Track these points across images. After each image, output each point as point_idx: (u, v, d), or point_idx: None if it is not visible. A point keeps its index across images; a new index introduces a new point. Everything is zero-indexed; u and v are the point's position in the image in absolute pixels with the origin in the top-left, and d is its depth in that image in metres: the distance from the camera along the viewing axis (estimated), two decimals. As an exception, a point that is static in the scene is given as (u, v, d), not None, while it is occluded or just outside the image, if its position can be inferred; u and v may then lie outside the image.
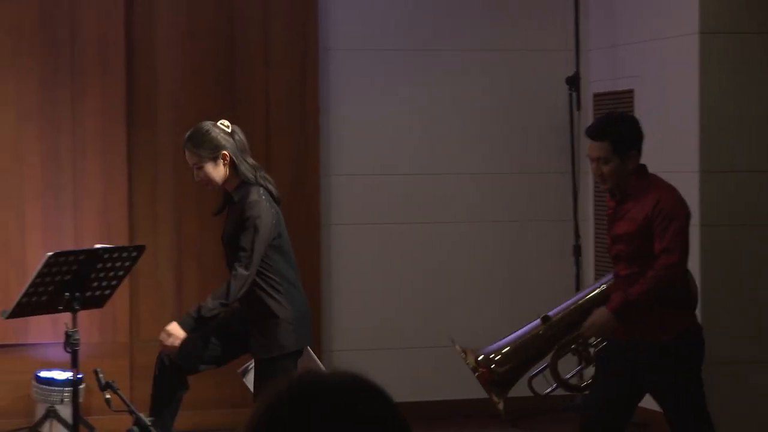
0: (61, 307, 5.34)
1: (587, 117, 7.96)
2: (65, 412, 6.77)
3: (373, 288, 7.86)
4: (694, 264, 7.20)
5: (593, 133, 5.60)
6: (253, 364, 5.75)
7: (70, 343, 5.29)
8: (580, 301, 5.82)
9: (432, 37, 7.93)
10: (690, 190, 7.20)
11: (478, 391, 5.93)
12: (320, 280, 7.76)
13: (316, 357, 5.90)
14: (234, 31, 7.65)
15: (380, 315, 7.83)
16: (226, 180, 5.73)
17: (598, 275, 7.63)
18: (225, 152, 5.68)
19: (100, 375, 5.46)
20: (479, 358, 5.75)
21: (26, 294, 5.19)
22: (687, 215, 5.53)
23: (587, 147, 5.63)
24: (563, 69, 7.96)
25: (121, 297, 7.13)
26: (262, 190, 5.70)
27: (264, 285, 5.65)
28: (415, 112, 7.93)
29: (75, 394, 5.51)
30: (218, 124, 5.77)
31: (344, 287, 7.85)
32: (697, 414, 5.45)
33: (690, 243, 5.50)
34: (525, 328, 5.87)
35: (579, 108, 7.97)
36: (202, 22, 7.60)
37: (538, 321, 5.78)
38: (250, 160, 5.79)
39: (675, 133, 7.33)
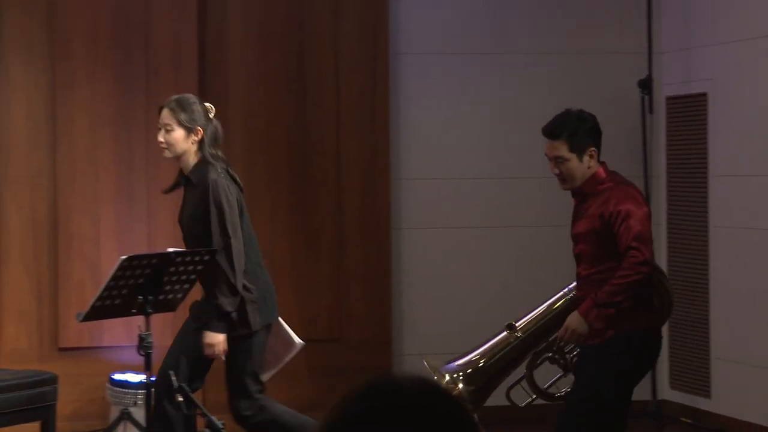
0: (134, 311, 5.38)
1: (660, 120, 7.90)
2: (139, 414, 6.83)
3: (443, 292, 7.85)
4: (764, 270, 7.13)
5: (548, 131, 5.53)
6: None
7: (144, 346, 5.33)
8: (551, 308, 5.75)
9: (503, 40, 7.91)
10: (764, 195, 7.13)
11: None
12: (391, 284, 7.76)
13: (287, 327, 5.98)
14: (304, 36, 7.68)
15: (451, 319, 7.82)
16: (186, 157, 5.74)
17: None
18: (200, 129, 5.73)
19: (173, 378, 5.49)
20: (447, 378, 5.70)
21: (100, 297, 5.23)
22: (646, 212, 5.44)
23: (544, 146, 5.55)
24: (636, 72, 7.91)
25: (193, 300, 7.17)
26: (219, 168, 5.71)
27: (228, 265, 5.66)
28: (485, 115, 7.91)
29: (148, 397, 5.55)
30: (204, 103, 5.84)
31: (414, 291, 7.85)
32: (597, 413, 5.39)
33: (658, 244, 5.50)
34: (494, 340, 5.80)
35: (651, 111, 7.91)
36: (274, 27, 7.64)
37: (504, 331, 5.74)
38: (220, 153, 5.81)
39: (748, 137, 7.25)
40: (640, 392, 6.49)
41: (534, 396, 5.73)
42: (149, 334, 5.32)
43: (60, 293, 7.35)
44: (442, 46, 7.86)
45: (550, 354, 5.65)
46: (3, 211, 7.32)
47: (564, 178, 5.53)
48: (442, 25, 7.86)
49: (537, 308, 5.79)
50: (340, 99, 7.73)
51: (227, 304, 5.62)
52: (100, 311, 5.31)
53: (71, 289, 7.34)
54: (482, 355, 5.76)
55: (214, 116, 5.83)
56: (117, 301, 5.24)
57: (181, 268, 5.38)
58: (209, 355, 5.69)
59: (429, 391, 2.04)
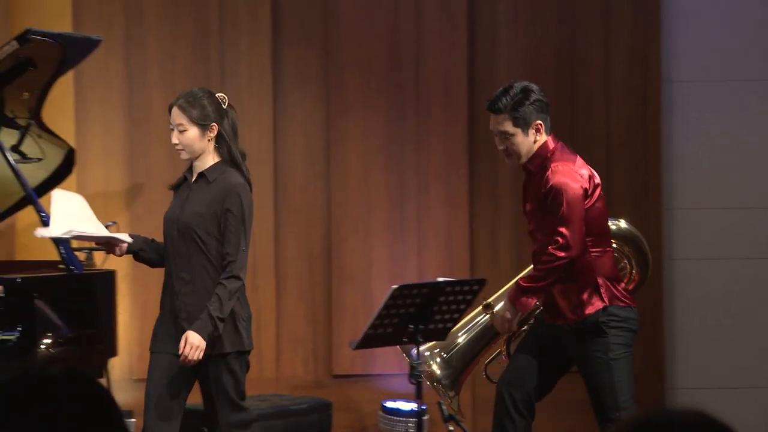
0: (405, 339, 5.44)
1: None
2: (409, 441, 6.90)
3: (720, 324, 7.63)
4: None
5: (491, 105, 5.35)
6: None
7: (414, 374, 5.38)
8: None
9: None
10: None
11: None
12: (663, 315, 7.61)
13: None
14: (574, 66, 7.64)
15: (728, 352, 7.60)
16: (204, 156, 5.31)
17: None
18: (215, 125, 5.31)
19: (444, 407, 5.52)
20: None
21: (372, 326, 5.31)
22: (578, 193, 5.25)
23: (490, 121, 5.36)
24: None
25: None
26: (245, 169, 5.34)
27: None
28: (763, 143, 7.67)
29: (419, 426, 5.59)
30: (216, 95, 5.39)
31: (689, 323, 7.66)
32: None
33: None
34: (474, 322, 5.66)
35: None
36: (544, 57, 7.63)
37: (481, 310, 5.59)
38: (240, 146, 5.39)
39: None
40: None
41: None
42: (420, 362, 5.36)
43: (334, 321, 7.51)
44: (716, 73, 7.67)
45: (526, 327, 5.56)
46: (280, 242, 7.54)
47: (509, 153, 5.40)
48: (717, 51, 7.67)
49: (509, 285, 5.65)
50: (610, 127, 7.65)
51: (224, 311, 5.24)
52: (372, 339, 5.38)
53: (344, 317, 7.49)
54: (460, 335, 5.65)
55: (227, 105, 5.39)
56: (388, 330, 5.31)
57: (451, 298, 5.40)
58: (184, 356, 5.17)
59: (707, 425, 1.99)
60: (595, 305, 5.42)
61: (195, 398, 5.40)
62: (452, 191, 7.60)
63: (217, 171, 5.29)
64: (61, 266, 5.60)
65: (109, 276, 5.89)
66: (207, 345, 5.15)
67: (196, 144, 5.30)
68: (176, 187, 5.42)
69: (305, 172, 7.59)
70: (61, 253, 5.58)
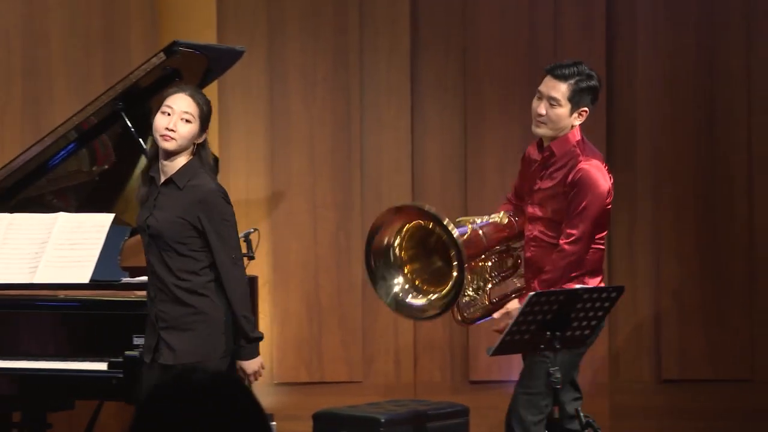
0: (542, 346, 5.45)
1: None
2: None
3: None
4: None
5: (556, 69, 5.28)
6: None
7: (551, 381, 5.39)
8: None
9: None
10: None
11: None
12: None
13: None
14: (714, 75, 7.56)
15: None
16: (182, 155, 5.01)
17: None
18: (206, 133, 5.10)
19: (581, 414, 5.52)
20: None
21: (509, 332, 5.34)
22: (604, 192, 5.22)
23: (543, 83, 5.28)
24: None
25: (599, 337, 7.19)
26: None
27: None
28: None
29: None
30: None
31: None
32: None
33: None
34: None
35: None
36: (683, 67, 7.57)
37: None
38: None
39: None
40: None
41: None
42: (557, 369, 5.37)
43: (471, 327, 7.54)
44: None
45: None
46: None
47: (543, 122, 5.32)
48: None
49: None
50: (751, 138, 7.55)
51: (254, 325, 5.19)
52: (509, 346, 5.41)
53: (481, 324, 7.51)
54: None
55: None
56: (525, 336, 5.33)
57: (588, 305, 5.40)
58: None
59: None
60: None
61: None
62: (590, 200, 7.58)
63: (188, 174, 5.00)
64: (205, 271, 5.71)
65: (251, 281, 6.01)
66: (199, 352, 4.99)
67: (189, 140, 5.01)
68: (145, 201, 5.08)
69: (442, 180, 7.65)
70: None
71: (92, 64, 7.28)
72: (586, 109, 5.36)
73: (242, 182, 7.53)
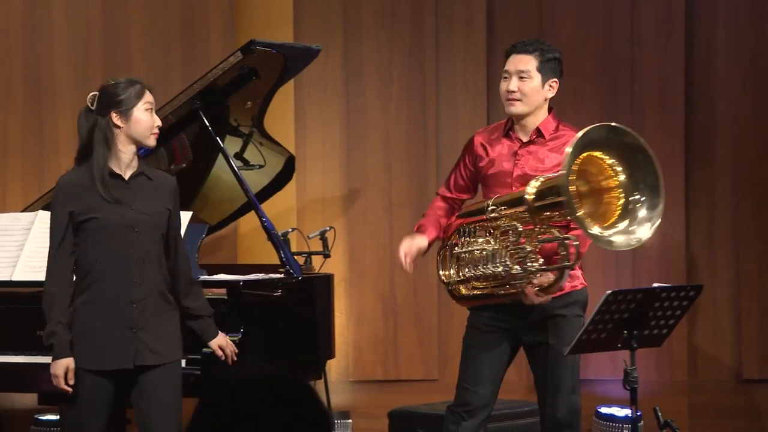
0: (619, 345, 5.41)
1: None
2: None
3: None
4: None
5: (519, 45, 5.12)
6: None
7: (629, 380, 5.34)
8: None
9: None
10: None
11: None
12: None
13: None
14: (795, 69, 7.49)
15: None
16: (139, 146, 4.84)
17: None
18: None
19: (659, 413, 5.48)
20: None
21: (585, 331, 5.31)
22: None
23: (506, 63, 5.09)
24: None
25: (678, 336, 7.14)
26: None
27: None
28: None
29: None
30: None
31: None
32: None
33: None
34: None
35: None
36: (763, 66, 7.49)
37: None
38: None
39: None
40: None
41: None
42: (634, 368, 5.33)
43: (547, 326, 7.52)
44: None
45: None
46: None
47: (516, 98, 5.11)
48: None
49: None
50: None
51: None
52: (585, 345, 5.38)
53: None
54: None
55: None
56: (602, 335, 5.30)
57: (666, 304, 5.36)
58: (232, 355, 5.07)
59: None
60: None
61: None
62: (668, 198, 7.47)
63: (148, 166, 4.93)
64: (281, 270, 5.75)
65: (327, 279, 6.03)
66: (169, 351, 4.84)
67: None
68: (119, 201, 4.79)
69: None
70: (281, 257, 5.74)
71: (171, 63, 7.35)
72: (555, 80, 5.21)
73: (318, 180, 7.56)
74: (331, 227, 6.57)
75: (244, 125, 6.28)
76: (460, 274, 5.16)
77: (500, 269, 5.04)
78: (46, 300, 4.75)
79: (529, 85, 5.14)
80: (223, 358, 5.04)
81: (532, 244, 5.02)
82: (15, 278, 5.64)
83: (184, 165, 6.37)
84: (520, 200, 5.02)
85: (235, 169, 5.87)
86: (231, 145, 6.26)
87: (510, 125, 5.25)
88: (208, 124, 5.89)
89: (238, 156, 6.31)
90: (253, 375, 2.24)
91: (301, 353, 5.73)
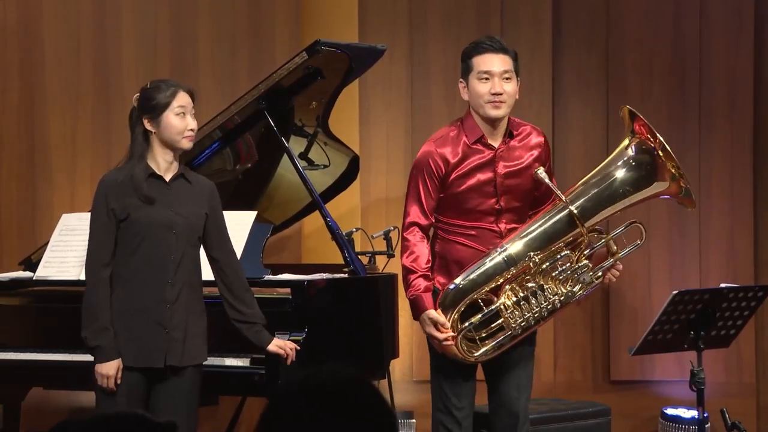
0: (685, 346, 5.38)
1: None
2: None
3: None
4: None
5: (498, 44, 4.91)
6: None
7: (696, 381, 5.31)
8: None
9: None
10: None
11: None
12: None
13: None
14: None
15: None
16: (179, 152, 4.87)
17: None
18: None
19: (726, 415, 5.43)
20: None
21: (652, 331, 5.27)
22: None
23: (482, 63, 4.87)
24: None
25: (746, 336, 7.07)
26: None
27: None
28: None
29: (700, 433, 5.52)
30: None
31: None
32: None
33: None
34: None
35: None
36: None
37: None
38: None
39: None
40: None
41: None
42: (701, 369, 5.29)
43: (612, 327, 7.48)
44: None
45: None
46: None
47: (504, 100, 4.93)
48: None
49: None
50: None
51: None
52: (651, 345, 5.35)
53: (623, 323, 7.45)
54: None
55: None
56: (668, 336, 5.27)
57: (734, 304, 5.32)
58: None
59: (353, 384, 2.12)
60: None
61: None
62: (735, 197, 7.46)
63: (188, 171, 4.94)
64: (345, 269, 5.76)
65: (391, 279, 6.03)
66: (196, 353, 4.87)
67: None
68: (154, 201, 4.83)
69: (585, 176, 7.58)
70: (345, 257, 5.75)
71: (237, 64, 7.39)
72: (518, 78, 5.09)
73: (382, 180, 7.57)
74: (395, 227, 6.57)
75: (309, 125, 6.30)
76: (495, 342, 5.05)
77: (555, 299, 5.01)
78: (89, 301, 4.78)
79: (513, 87, 5.02)
80: (285, 356, 5.07)
81: (581, 259, 5.01)
82: (83, 278, 5.70)
83: (249, 165, 6.40)
84: (565, 228, 4.99)
85: (300, 169, 5.89)
86: (296, 145, 6.28)
87: (477, 132, 5.04)
88: (273, 124, 5.91)
89: (303, 156, 6.33)
90: (319, 375, 2.24)
91: (365, 353, 5.74)
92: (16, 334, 5.84)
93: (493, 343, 5.00)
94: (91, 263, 4.82)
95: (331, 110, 6.25)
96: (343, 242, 5.77)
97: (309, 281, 5.50)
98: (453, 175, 5.04)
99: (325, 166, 6.42)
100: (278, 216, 6.46)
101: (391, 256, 6.54)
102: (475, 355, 5.01)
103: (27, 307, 5.88)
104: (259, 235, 5.75)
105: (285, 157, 6.09)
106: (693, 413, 6.80)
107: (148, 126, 4.84)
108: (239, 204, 6.06)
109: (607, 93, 7.55)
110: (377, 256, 6.58)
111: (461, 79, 5.04)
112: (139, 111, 4.87)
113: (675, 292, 5.10)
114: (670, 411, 7.08)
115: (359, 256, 5.94)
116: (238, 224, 5.69)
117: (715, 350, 5.60)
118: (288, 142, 6.03)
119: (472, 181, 5.03)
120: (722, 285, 5.48)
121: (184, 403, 4.84)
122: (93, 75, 7.36)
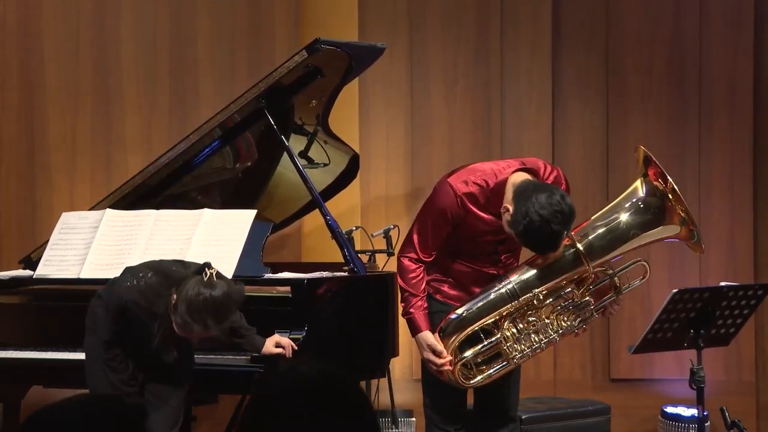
0: (685, 344, 5.38)
1: None
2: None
3: None
4: None
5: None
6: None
7: (695, 380, 5.30)
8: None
9: None
10: None
11: None
12: None
13: None
14: None
15: None
16: None
17: None
18: None
19: (726, 413, 5.43)
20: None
21: (651, 330, 5.27)
22: None
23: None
24: None
25: (745, 335, 7.07)
26: None
27: None
28: None
29: None
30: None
31: None
32: None
33: None
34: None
35: None
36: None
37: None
38: None
39: None
40: None
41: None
42: (701, 368, 5.29)
43: (612, 326, 7.48)
44: None
45: None
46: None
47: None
48: None
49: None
50: None
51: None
52: (651, 344, 5.35)
53: (622, 322, 7.45)
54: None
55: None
56: (668, 335, 5.26)
57: (734, 303, 5.32)
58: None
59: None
60: None
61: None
62: (735, 196, 7.46)
63: None
64: (345, 268, 5.76)
65: (391, 277, 6.03)
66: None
67: None
68: None
69: (584, 176, 7.59)
70: (345, 255, 5.75)
71: (237, 64, 7.39)
72: None
73: (382, 179, 7.57)
74: (394, 225, 6.57)
75: (309, 124, 6.29)
76: (491, 371, 5.09)
77: (555, 336, 5.07)
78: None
79: None
80: (283, 353, 5.09)
81: (584, 295, 5.04)
82: (83, 276, 5.70)
83: (249, 164, 6.40)
84: (571, 265, 5.02)
85: (300, 167, 5.89)
86: (296, 143, 6.28)
87: (499, 208, 5.01)
88: (273, 122, 5.91)
89: (303, 154, 6.33)
90: (302, 372, 2.23)
91: (365, 351, 5.73)
92: (16, 333, 5.84)
93: (489, 371, 5.06)
94: None
95: (331, 109, 6.25)
96: (343, 241, 5.77)
97: (309, 280, 5.49)
98: (466, 225, 5.06)
99: (325, 165, 6.42)
100: (278, 214, 6.46)
101: (390, 254, 6.53)
102: (470, 383, 5.08)
103: (27, 305, 5.88)
104: (259, 233, 5.75)
105: (285, 155, 6.09)
106: (693, 412, 6.80)
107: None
108: (239, 202, 6.06)
109: (607, 93, 7.55)
110: (377, 255, 6.57)
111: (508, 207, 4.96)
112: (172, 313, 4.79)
113: (675, 290, 5.10)
114: (669, 409, 7.08)
115: (359, 255, 5.94)
116: (239, 222, 5.69)
117: (714, 349, 5.60)
118: (288, 140, 6.03)
119: (476, 233, 5.08)
120: (722, 283, 5.48)
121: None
122: (92, 74, 7.36)
